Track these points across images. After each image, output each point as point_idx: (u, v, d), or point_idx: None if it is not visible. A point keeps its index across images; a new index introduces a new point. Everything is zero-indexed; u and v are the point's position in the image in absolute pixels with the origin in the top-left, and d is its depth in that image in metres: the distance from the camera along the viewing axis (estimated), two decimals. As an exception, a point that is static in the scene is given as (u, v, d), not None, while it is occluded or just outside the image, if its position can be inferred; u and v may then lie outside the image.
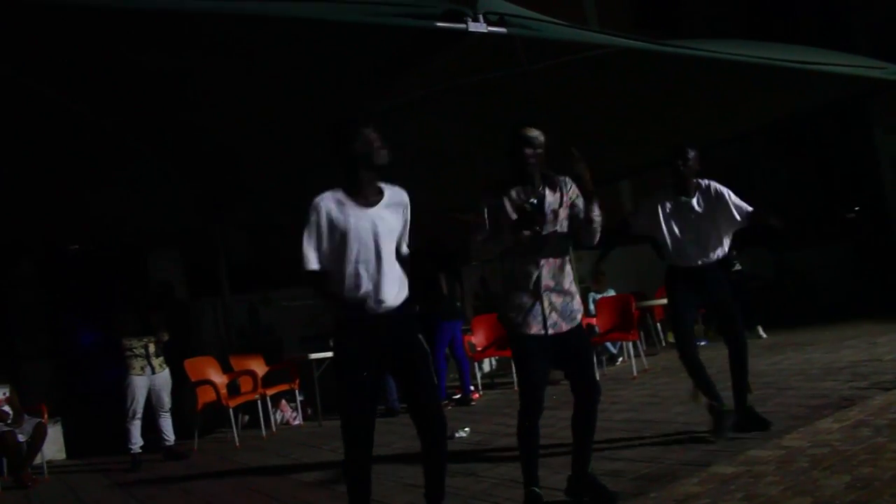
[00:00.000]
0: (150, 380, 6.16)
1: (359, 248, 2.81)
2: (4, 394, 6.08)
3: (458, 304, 7.38)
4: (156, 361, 6.19)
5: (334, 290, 2.86)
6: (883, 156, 12.04)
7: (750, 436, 3.82)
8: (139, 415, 6.09)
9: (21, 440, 5.89)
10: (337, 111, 5.56)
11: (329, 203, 2.82)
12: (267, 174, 6.78)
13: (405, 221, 2.97)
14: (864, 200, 13.45)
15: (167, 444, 6.22)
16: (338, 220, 2.80)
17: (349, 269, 2.82)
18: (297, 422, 7.44)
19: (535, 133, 3.15)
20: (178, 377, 6.57)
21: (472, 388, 7.24)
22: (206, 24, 3.99)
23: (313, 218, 2.81)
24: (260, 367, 7.25)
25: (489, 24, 3.46)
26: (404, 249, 3.01)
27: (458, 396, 7.15)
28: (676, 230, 4.08)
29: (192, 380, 6.75)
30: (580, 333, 3.25)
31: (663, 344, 9.16)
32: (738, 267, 9.56)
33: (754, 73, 5.40)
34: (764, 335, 9.00)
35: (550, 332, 3.13)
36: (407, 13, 3.35)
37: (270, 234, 9.74)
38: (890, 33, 10.45)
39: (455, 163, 6.75)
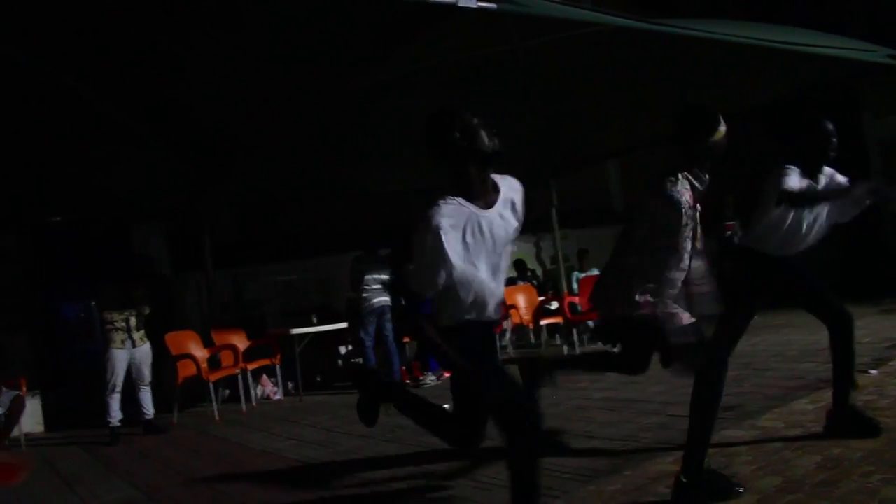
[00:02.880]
0: (131, 353, 6.12)
1: (483, 256, 2.45)
2: (-18, 366, 6.04)
3: None
4: (137, 335, 6.15)
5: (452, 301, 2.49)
6: (871, 140, 12.02)
7: (725, 416, 3.85)
8: (119, 388, 6.05)
9: (-2, 412, 5.85)
10: (326, 86, 5.50)
11: (445, 219, 2.35)
12: (255, 150, 6.69)
13: (520, 214, 2.57)
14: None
15: (147, 417, 6.19)
16: (458, 231, 2.37)
17: (470, 278, 2.44)
18: (277, 396, 7.44)
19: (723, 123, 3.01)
20: (159, 351, 6.53)
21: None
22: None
23: (429, 241, 2.33)
24: (241, 342, 7.22)
25: (479, -1, 3.39)
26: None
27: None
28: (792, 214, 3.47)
29: (173, 354, 6.71)
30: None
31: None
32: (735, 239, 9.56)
33: (745, 54, 5.37)
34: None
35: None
36: (396, -14, 3.28)
37: (256, 210, 9.67)
38: (887, 15, 10.38)
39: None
